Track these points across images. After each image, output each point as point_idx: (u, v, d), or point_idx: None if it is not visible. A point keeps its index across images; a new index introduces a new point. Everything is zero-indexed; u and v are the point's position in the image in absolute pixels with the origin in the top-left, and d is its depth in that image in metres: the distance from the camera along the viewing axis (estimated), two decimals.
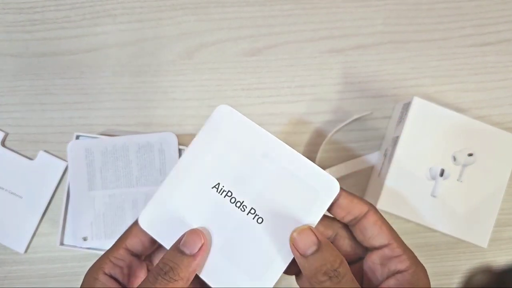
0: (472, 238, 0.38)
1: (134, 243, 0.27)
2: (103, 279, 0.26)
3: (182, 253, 0.25)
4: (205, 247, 0.26)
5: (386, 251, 0.27)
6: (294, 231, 0.25)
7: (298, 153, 0.27)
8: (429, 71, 0.43)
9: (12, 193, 0.41)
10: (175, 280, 0.24)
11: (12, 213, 0.41)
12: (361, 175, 0.43)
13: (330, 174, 0.27)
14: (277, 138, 0.27)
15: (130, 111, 0.43)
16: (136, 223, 0.27)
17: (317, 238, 0.25)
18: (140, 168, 0.40)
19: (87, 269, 0.27)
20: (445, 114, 0.38)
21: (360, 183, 0.43)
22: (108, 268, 0.27)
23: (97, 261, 0.27)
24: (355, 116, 0.42)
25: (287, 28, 0.43)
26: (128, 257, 0.27)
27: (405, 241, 0.28)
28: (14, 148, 0.42)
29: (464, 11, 0.44)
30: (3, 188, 0.41)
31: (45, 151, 0.42)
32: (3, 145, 0.42)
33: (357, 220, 0.27)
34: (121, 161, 0.40)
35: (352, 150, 0.43)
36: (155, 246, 0.28)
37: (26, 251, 0.42)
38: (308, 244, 0.25)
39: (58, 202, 0.41)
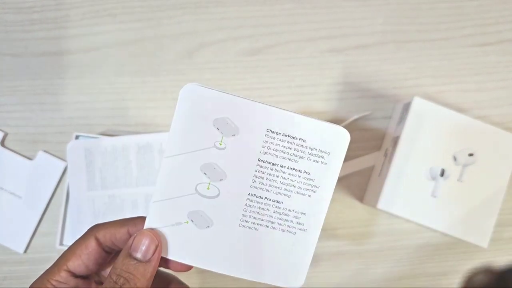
0: (472, 238, 0.38)
1: (77, 266, 0.24)
2: None
3: (136, 259, 0.23)
4: (160, 249, 0.23)
5: None
6: None
7: (283, 110, 0.24)
8: (430, 71, 0.43)
9: (11, 193, 0.41)
10: None
11: (12, 213, 0.41)
12: (361, 175, 0.42)
13: None
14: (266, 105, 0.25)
15: (130, 111, 0.43)
16: (79, 241, 0.25)
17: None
18: (139, 168, 0.40)
19: None
20: (446, 114, 0.38)
21: (360, 183, 0.43)
22: None
23: (34, 284, 0.24)
24: (355, 116, 0.42)
25: (287, 27, 0.43)
26: (72, 280, 0.24)
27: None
28: (13, 148, 0.42)
29: (465, 11, 0.44)
30: (2, 188, 0.41)
31: (45, 151, 0.42)
32: (3, 145, 0.42)
33: None
34: (120, 162, 0.40)
35: (352, 150, 0.43)
36: (107, 261, 0.26)
37: (25, 251, 0.42)
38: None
39: (58, 202, 0.41)
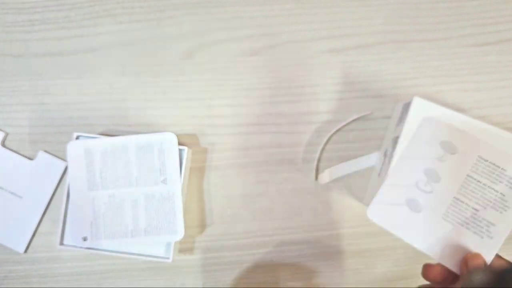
0: None
1: None
2: None
3: None
4: None
5: None
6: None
7: None
8: (430, 71, 0.43)
9: (12, 193, 0.41)
10: None
11: (12, 213, 0.41)
12: (361, 175, 0.42)
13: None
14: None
15: (130, 111, 0.43)
16: None
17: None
18: (140, 168, 0.40)
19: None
20: (446, 114, 0.38)
21: (360, 183, 0.43)
22: None
23: None
24: (355, 116, 0.42)
25: (287, 28, 0.43)
26: None
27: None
28: (14, 148, 0.42)
29: (465, 10, 0.44)
30: (3, 188, 0.41)
31: (45, 151, 0.42)
32: (3, 145, 0.42)
33: None
34: (120, 161, 0.40)
35: (352, 150, 0.43)
36: None
37: (26, 251, 0.42)
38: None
39: (58, 202, 0.41)
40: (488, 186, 0.33)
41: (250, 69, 0.43)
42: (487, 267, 0.32)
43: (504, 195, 0.33)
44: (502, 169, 0.34)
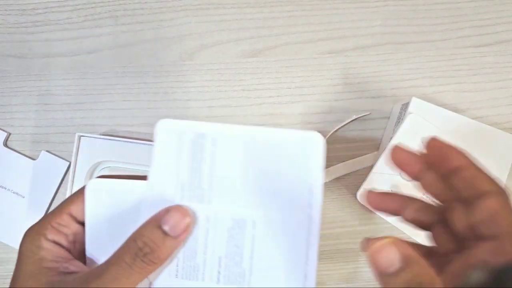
0: None
1: (79, 210, 0.24)
2: (48, 245, 0.23)
3: (165, 233, 0.22)
4: (190, 229, 0.23)
5: (495, 245, 0.22)
6: (372, 243, 0.21)
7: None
8: (428, 72, 0.43)
9: (14, 192, 0.42)
10: (154, 263, 0.22)
11: (15, 213, 0.42)
12: (359, 175, 0.43)
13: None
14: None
15: (132, 112, 0.43)
16: (83, 189, 0.24)
17: (404, 251, 0.20)
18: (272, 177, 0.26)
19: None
20: (444, 114, 0.38)
21: (359, 183, 0.43)
22: (51, 234, 0.23)
23: (35, 226, 0.23)
24: (354, 117, 0.43)
25: (287, 29, 0.44)
26: (74, 225, 0.24)
27: None
28: (16, 148, 0.43)
29: (463, 12, 0.44)
30: (5, 188, 0.42)
31: (47, 151, 0.42)
32: (6, 145, 0.43)
33: (474, 198, 0.22)
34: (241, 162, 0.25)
35: (351, 150, 0.43)
36: None
37: None
38: (389, 261, 0.20)
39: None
40: None
41: (250, 70, 0.43)
42: (485, 266, 0.32)
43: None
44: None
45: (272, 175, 0.24)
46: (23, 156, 0.42)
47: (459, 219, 0.23)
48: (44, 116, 0.43)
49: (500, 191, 0.22)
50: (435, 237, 0.25)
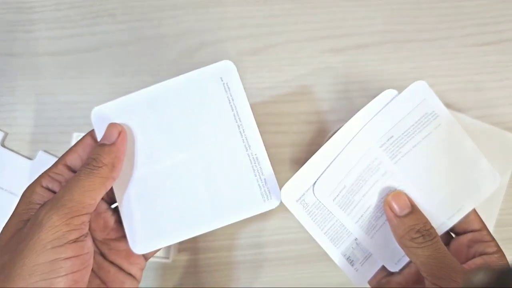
0: None
1: (73, 159, 0.29)
2: (40, 191, 0.27)
3: (103, 145, 0.28)
4: (123, 135, 0.28)
5: (476, 235, 0.30)
6: (388, 195, 0.29)
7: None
8: (430, 70, 0.43)
9: (11, 193, 0.41)
10: (99, 167, 0.27)
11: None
12: None
13: None
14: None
15: None
16: (80, 141, 0.29)
17: (410, 201, 0.29)
18: (203, 118, 0.31)
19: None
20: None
21: None
22: (45, 181, 0.27)
23: (37, 178, 0.28)
24: None
25: (287, 27, 0.43)
26: (67, 172, 0.28)
27: None
28: (13, 148, 0.42)
29: (465, 10, 0.44)
30: (2, 188, 0.41)
31: (45, 151, 0.42)
32: (3, 145, 0.42)
33: None
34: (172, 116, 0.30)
35: None
36: None
37: None
38: (402, 206, 0.28)
39: None
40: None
41: (251, 68, 0.43)
42: (488, 268, 0.32)
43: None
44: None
45: (203, 112, 0.30)
46: (20, 156, 0.42)
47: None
48: (42, 116, 0.43)
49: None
50: None
